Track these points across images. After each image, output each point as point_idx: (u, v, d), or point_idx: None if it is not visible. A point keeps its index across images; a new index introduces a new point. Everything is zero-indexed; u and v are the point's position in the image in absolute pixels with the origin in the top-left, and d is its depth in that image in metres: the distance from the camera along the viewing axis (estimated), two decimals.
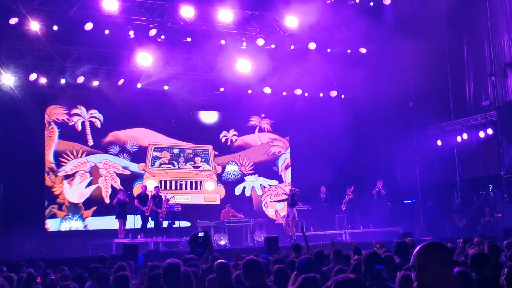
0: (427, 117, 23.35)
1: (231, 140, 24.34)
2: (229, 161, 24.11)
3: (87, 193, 21.13)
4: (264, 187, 24.39)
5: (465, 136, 21.95)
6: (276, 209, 24.22)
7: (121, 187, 21.23)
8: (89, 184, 21.30)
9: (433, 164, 23.26)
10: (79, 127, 21.62)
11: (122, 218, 19.78)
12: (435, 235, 19.80)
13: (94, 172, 21.49)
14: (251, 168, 24.36)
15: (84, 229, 20.89)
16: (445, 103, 23.12)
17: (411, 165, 24.10)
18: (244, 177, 24.18)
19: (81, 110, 21.70)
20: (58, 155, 21.02)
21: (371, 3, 22.44)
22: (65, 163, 21.02)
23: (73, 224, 20.81)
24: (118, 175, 21.94)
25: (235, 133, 24.39)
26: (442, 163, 23.03)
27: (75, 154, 21.27)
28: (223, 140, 24.23)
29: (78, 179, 21.14)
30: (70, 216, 20.82)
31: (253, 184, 24.29)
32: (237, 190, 23.99)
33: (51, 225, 20.68)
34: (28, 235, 18.94)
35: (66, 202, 20.82)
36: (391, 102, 23.91)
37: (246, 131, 24.66)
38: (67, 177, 21.00)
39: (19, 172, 19.74)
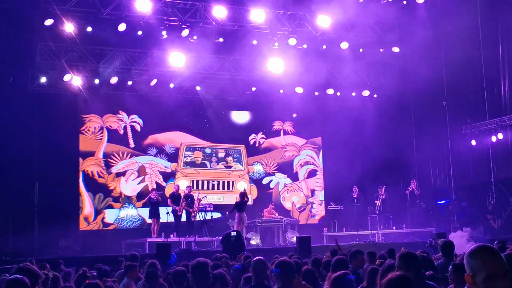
0: (461, 116, 23.05)
1: (259, 142, 24.56)
2: (255, 162, 24.39)
3: (138, 188, 22.30)
4: (286, 184, 24.68)
5: (500, 136, 21.57)
6: (292, 202, 24.61)
7: (154, 187, 21.50)
8: (139, 181, 22.37)
9: (467, 164, 22.95)
10: (121, 131, 22.34)
11: (155, 217, 19.96)
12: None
13: (141, 171, 22.46)
14: (275, 168, 24.66)
15: (138, 216, 21.84)
16: (480, 102, 22.78)
17: (445, 165, 23.85)
18: (275, 173, 24.54)
19: (122, 115, 22.47)
20: (106, 156, 21.94)
21: (404, 2, 22.25)
22: (114, 163, 22.02)
23: (129, 211, 21.95)
24: (161, 172, 22.83)
25: (263, 136, 24.61)
26: (476, 163, 22.70)
27: (121, 155, 22.22)
28: (251, 142, 24.40)
29: (129, 176, 22.25)
30: (126, 205, 21.91)
31: (279, 180, 24.61)
32: (265, 181, 24.40)
33: (109, 214, 21.67)
34: (63, 233, 19.21)
35: (122, 195, 21.95)
36: (425, 101, 23.72)
37: (273, 134, 24.87)
38: (118, 174, 22.05)
39: (53, 171, 20.02)
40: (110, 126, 22.20)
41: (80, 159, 21.47)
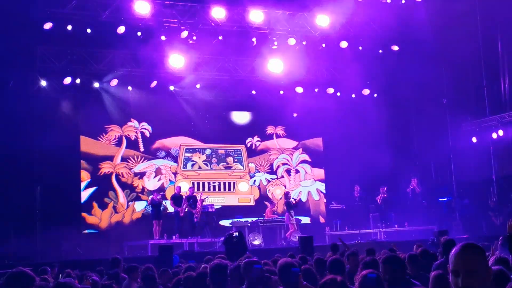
0: (462, 114, 23.06)
1: (255, 145, 24.74)
2: (250, 163, 24.56)
3: (158, 184, 22.91)
4: (269, 181, 24.72)
5: (500, 132, 21.59)
6: (272, 193, 24.69)
7: (155, 189, 21.57)
8: (158, 179, 23.01)
9: (469, 161, 22.92)
10: (133, 137, 22.87)
11: (156, 219, 19.97)
12: (472, 233, 19.54)
13: (158, 171, 23.06)
14: (268, 168, 24.88)
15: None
16: (480, 99, 22.79)
17: (446, 162, 23.85)
18: (255, 174, 24.69)
19: (134, 123, 22.95)
20: (123, 160, 22.60)
21: (403, 1, 22.24)
22: (133, 166, 22.69)
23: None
24: (174, 173, 23.33)
25: (259, 139, 24.72)
26: (477, 160, 22.68)
27: (136, 158, 22.76)
28: (248, 145, 24.54)
29: (148, 176, 22.92)
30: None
31: (260, 178, 24.67)
32: (251, 182, 24.53)
33: (138, 205, 22.52)
34: (65, 236, 19.19)
35: (146, 189, 22.59)
36: (425, 99, 23.72)
37: (267, 137, 24.97)
38: (136, 174, 22.70)
39: (55, 174, 20.01)
40: (128, 135, 22.76)
41: (103, 164, 22.05)
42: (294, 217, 20.74)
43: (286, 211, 20.53)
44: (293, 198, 21.44)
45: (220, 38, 21.35)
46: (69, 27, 19.21)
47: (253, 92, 23.45)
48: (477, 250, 3.04)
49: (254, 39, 21.75)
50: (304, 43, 22.31)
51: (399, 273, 5.45)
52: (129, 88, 21.53)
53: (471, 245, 3.07)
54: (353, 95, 24.26)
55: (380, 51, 23.12)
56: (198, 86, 22.56)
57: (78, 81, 20.39)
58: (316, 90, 23.86)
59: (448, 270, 6.13)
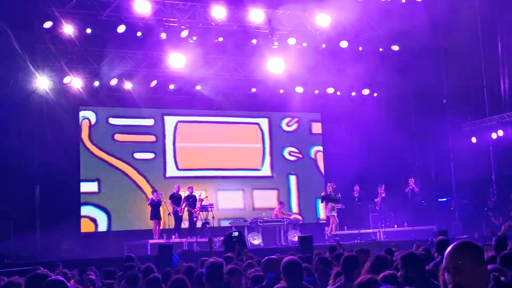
0: (461, 114, 23.05)
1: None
2: None
3: None
4: None
5: (500, 133, 21.60)
6: None
7: (155, 188, 21.50)
8: None
9: (468, 161, 22.93)
10: None
11: (156, 219, 19.94)
12: (471, 233, 19.56)
13: None
14: None
15: None
16: (480, 99, 22.81)
17: (445, 162, 23.86)
18: None
19: None
20: None
21: (403, 0, 22.23)
22: None
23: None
24: None
25: None
26: (477, 160, 22.68)
27: None
28: None
29: None
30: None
31: None
32: None
33: None
34: (65, 236, 19.19)
35: None
36: (425, 99, 23.72)
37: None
38: None
39: (54, 174, 20.00)
40: None
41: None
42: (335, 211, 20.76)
43: (326, 204, 20.51)
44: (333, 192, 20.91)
45: (221, 40, 21.34)
46: (70, 26, 19.19)
47: (253, 89, 23.36)
48: (466, 247, 3.08)
49: (254, 40, 21.74)
50: (304, 44, 22.29)
51: (418, 271, 5.49)
52: (129, 87, 21.46)
53: (463, 242, 3.12)
54: (354, 93, 24.22)
55: (381, 49, 23.11)
56: (198, 87, 22.53)
57: (78, 80, 20.34)
58: (316, 92, 23.81)
59: (440, 269, 6.22)
